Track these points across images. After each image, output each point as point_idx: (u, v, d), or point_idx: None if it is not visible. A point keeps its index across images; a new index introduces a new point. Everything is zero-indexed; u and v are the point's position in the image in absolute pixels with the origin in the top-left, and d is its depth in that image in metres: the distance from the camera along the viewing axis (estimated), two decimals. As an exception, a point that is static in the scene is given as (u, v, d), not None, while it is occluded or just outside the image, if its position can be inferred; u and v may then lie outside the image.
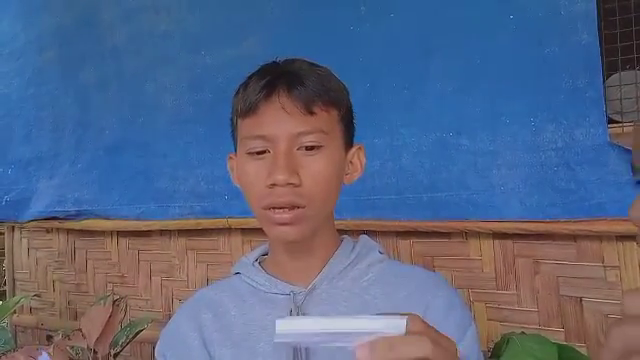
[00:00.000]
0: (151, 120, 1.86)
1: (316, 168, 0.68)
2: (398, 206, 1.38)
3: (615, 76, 1.30)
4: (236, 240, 1.74)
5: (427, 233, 1.37)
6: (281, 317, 0.41)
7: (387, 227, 1.41)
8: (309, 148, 0.68)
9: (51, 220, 2.11)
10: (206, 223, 1.73)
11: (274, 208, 0.68)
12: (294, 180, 0.66)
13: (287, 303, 0.72)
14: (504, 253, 1.31)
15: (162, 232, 1.90)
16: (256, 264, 0.79)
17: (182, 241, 1.86)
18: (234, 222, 1.67)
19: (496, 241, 1.32)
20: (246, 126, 0.70)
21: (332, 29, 1.48)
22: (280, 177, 0.65)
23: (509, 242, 1.30)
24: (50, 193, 2.10)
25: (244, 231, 1.71)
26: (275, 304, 0.73)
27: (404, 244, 1.44)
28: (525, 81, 1.23)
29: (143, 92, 1.88)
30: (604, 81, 1.18)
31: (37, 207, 2.13)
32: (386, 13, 1.40)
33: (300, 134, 0.67)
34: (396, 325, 0.40)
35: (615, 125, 1.22)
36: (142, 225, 1.87)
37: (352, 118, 0.76)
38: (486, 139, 1.27)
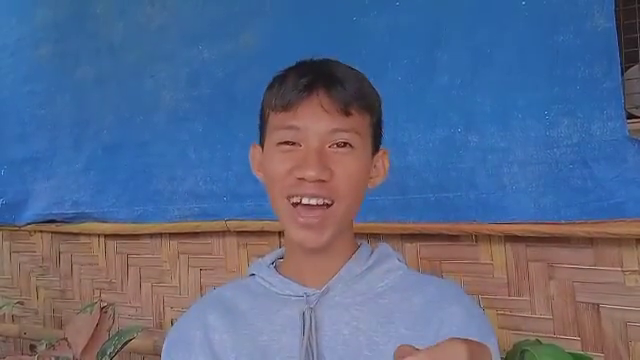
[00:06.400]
0: (149, 118, 1.80)
1: (347, 165, 0.69)
2: (403, 207, 1.31)
3: (634, 68, 1.24)
4: (231, 244, 1.67)
5: (434, 236, 1.31)
6: None
7: (391, 230, 1.34)
8: (341, 145, 0.69)
9: (48, 223, 2.05)
10: (205, 226, 1.67)
11: (301, 200, 0.67)
12: (324, 176, 0.67)
13: (300, 304, 0.72)
14: (516, 257, 1.25)
15: (152, 235, 1.82)
16: (271, 266, 0.80)
17: (174, 244, 1.79)
18: (233, 224, 1.60)
19: (508, 244, 1.25)
20: (279, 119, 0.71)
21: (334, 19, 1.43)
22: (311, 173, 0.66)
23: (522, 245, 1.24)
24: (47, 194, 2.03)
25: (240, 235, 1.64)
26: (287, 304, 0.74)
27: (410, 247, 1.38)
28: (538, 72, 1.17)
29: (141, 89, 1.82)
30: (622, 72, 1.12)
31: (34, 209, 2.06)
32: (391, 2, 1.34)
33: (335, 131, 0.68)
34: None
35: (635, 120, 1.16)
36: (140, 228, 1.80)
37: (381, 125, 0.78)
38: (496, 135, 1.21)
